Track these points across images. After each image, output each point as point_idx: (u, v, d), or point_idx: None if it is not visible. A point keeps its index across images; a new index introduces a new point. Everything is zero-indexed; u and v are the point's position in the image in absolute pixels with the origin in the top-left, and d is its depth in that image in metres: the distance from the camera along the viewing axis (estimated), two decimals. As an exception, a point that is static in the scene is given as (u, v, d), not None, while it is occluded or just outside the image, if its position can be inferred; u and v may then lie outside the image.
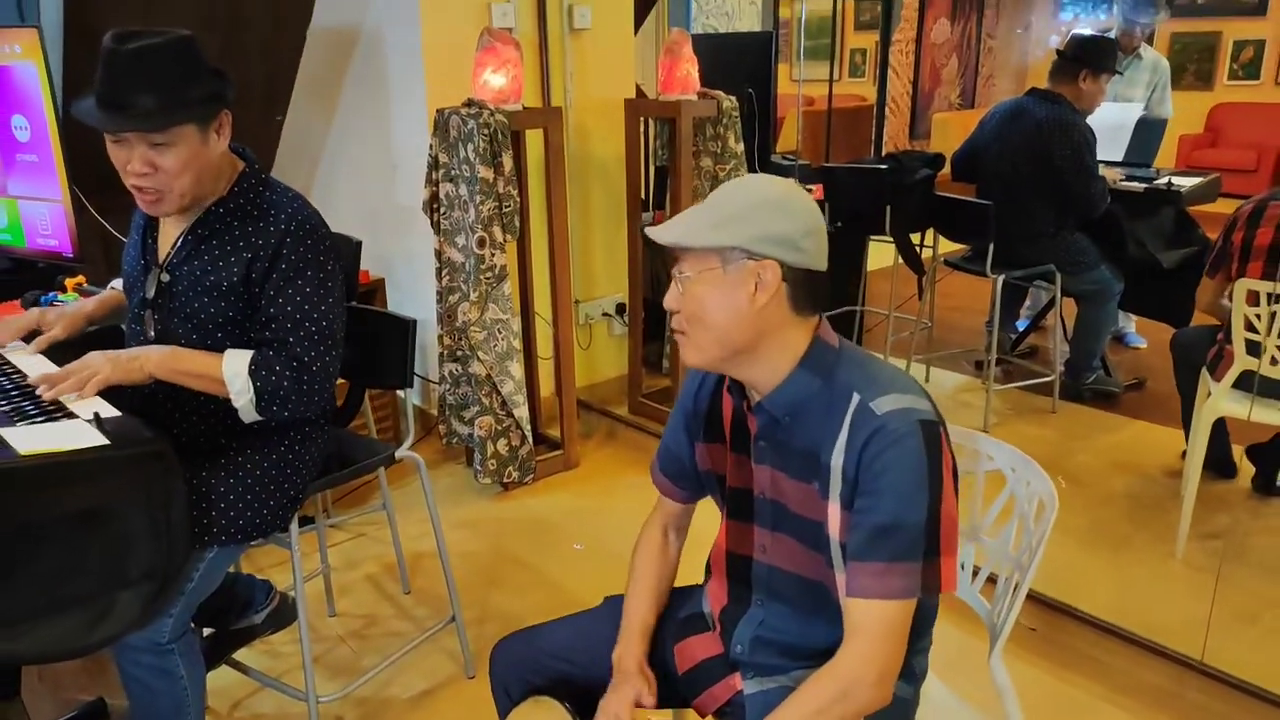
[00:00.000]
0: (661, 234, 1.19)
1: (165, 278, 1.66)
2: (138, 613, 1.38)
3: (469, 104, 2.85)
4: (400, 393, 2.05)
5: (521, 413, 3.00)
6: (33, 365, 1.62)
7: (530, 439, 3.07)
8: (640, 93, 3.85)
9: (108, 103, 1.48)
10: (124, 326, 1.81)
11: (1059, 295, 3.63)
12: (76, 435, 1.30)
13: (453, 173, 2.91)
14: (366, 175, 3.58)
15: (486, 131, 2.76)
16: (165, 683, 1.61)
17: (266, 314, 1.60)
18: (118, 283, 1.97)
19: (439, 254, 3.01)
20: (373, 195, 3.55)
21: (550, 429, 3.41)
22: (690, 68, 3.26)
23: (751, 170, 4.12)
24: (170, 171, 1.53)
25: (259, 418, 1.60)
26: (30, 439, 1.26)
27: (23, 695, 1.91)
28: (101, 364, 1.50)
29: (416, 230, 3.22)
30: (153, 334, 1.68)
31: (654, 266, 3.68)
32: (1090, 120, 3.52)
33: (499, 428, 2.98)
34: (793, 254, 1.15)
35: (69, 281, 2.66)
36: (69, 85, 2.99)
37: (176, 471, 1.38)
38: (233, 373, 1.56)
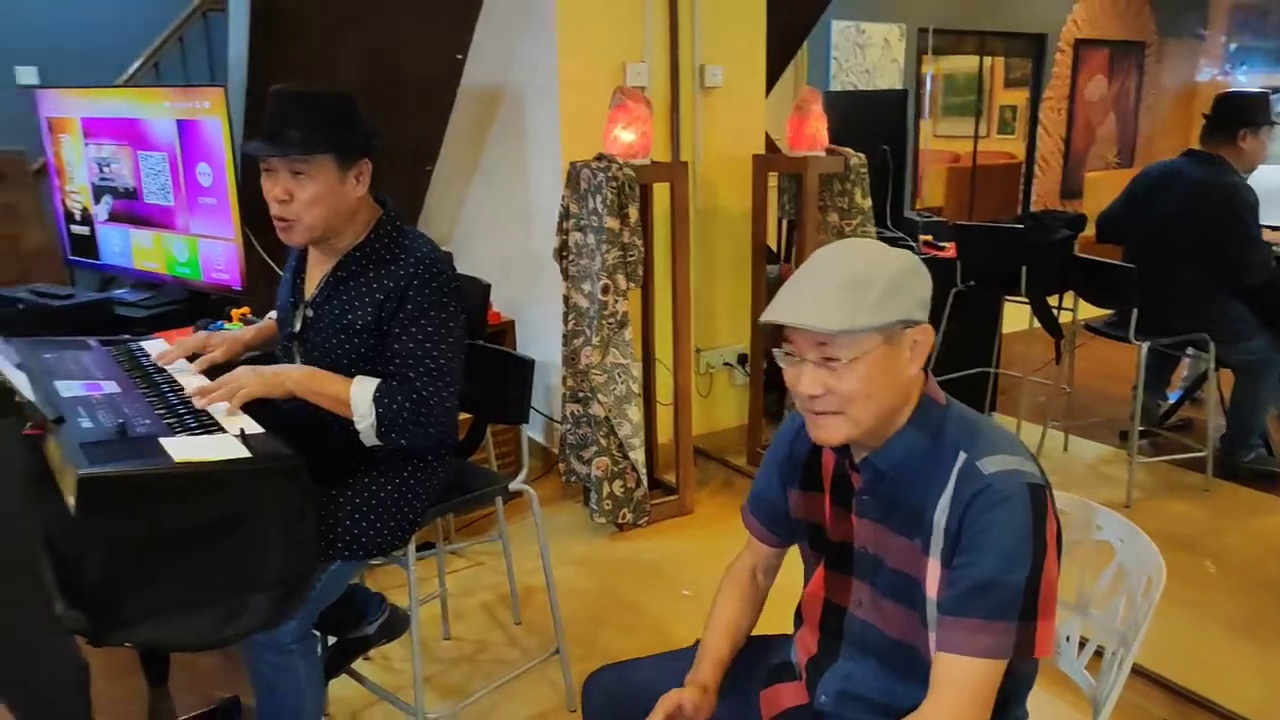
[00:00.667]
0: (813, 320, 1.11)
1: (309, 314, 1.84)
2: (267, 614, 1.51)
3: (599, 158, 2.99)
4: (520, 428, 2.15)
5: (638, 456, 3.06)
6: (191, 383, 1.80)
7: (645, 482, 3.13)
8: (772, 146, 3.91)
9: (265, 136, 1.70)
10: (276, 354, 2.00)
11: (1213, 365, 3.42)
12: (224, 448, 1.44)
13: (582, 222, 3.05)
14: (503, 223, 3.78)
15: (615, 184, 2.88)
16: (287, 681, 1.73)
17: (392, 349, 1.74)
18: (275, 314, 2.17)
19: (566, 299, 3.14)
20: (508, 242, 3.75)
21: (667, 474, 3.46)
22: (819, 125, 3.30)
23: (881, 225, 4.10)
24: (303, 201, 1.69)
25: (378, 442, 1.73)
26: (184, 449, 1.41)
27: (169, 686, 2.10)
28: (249, 378, 1.67)
29: (546, 276, 3.37)
30: (300, 362, 1.86)
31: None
32: (1251, 181, 3.34)
33: (615, 469, 3.06)
34: (925, 314, 1.18)
35: (235, 312, 2.94)
36: (246, 139, 3.30)
37: (310, 487, 1.50)
38: (359, 398, 1.70)
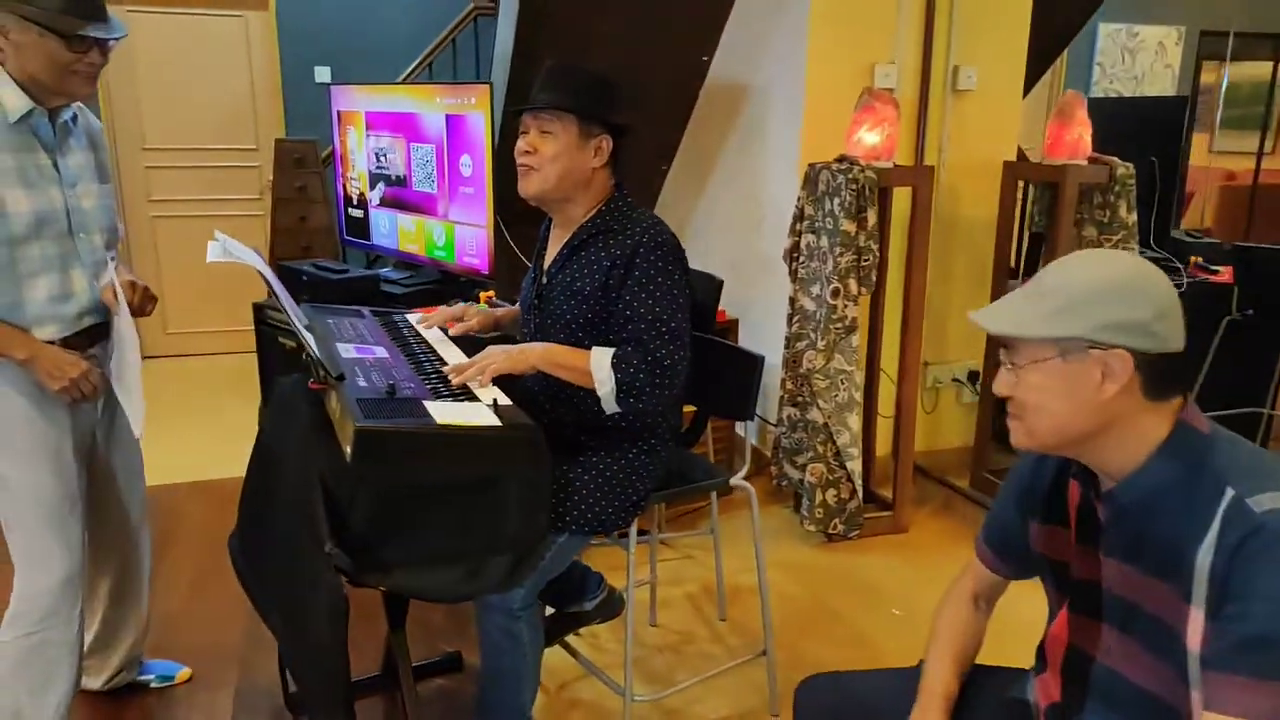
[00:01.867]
0: (990, 322, 1.13)
1: (544, 281, 1.97)
2: (502, 576, 1.60)
3: (840, 160, 2.94)
4: (739, 426, 2.16)
5: (855, 466, 2.99)
6: (449, 353, 1.95)
7: (860, 494, 3.04)
8: (1021, 155, 3.68)
9: (530, 99, 1.86)
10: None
11: None
12: (478, 415, 1.55)
13: (816, 225, 3.01)
14: (734, 223, 3.80)
15: (855, 186, 2.82)
16: (511, 644, 1.84)
17: (624, 316, 1.81)
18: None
19: (793, 301, 3.12)
20: (737, 242, 3.77)
21: (882, 488, 3.35)
22: (1083, 131, 3.07)
23: (1144, 245, 3.75)
24: (544, 155, 1.83)
25: (617, 409, 1.80)
26: (445, 413, 1.53)
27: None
28: (497, 355, 1.78)
29: (773, 277, 3.36)
30: (534, 331, 1.97)
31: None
32: None
33: (830, 477, 2.99)
34: (1145, 340, 1.06)
35: (483, 294, 3.15)
36: (503, 133, 3.51)
37: (547, 457, 1.58)
38: (597, 365, 1.78)
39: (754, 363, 2.08)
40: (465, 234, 3.34)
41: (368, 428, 1.41)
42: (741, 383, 2.08)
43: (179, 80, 4.91)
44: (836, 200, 2.88)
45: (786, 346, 3.14)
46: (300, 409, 1.83)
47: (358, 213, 3.90)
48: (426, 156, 3.43)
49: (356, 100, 3.75)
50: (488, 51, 4.75)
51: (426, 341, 2.03)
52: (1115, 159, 3.10)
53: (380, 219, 3.78)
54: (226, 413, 4.29)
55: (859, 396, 2.97)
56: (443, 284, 3.61)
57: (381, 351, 1.90)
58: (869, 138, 2.90)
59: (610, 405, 1.79)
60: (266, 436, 1.97)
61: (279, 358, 3.47)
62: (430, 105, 3.35)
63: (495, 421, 1.52)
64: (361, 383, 1.64)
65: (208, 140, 5.13)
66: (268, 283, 1.84)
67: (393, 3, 5.19)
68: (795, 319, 3.11)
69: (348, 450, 1.44)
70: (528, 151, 1.87)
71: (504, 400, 1.66)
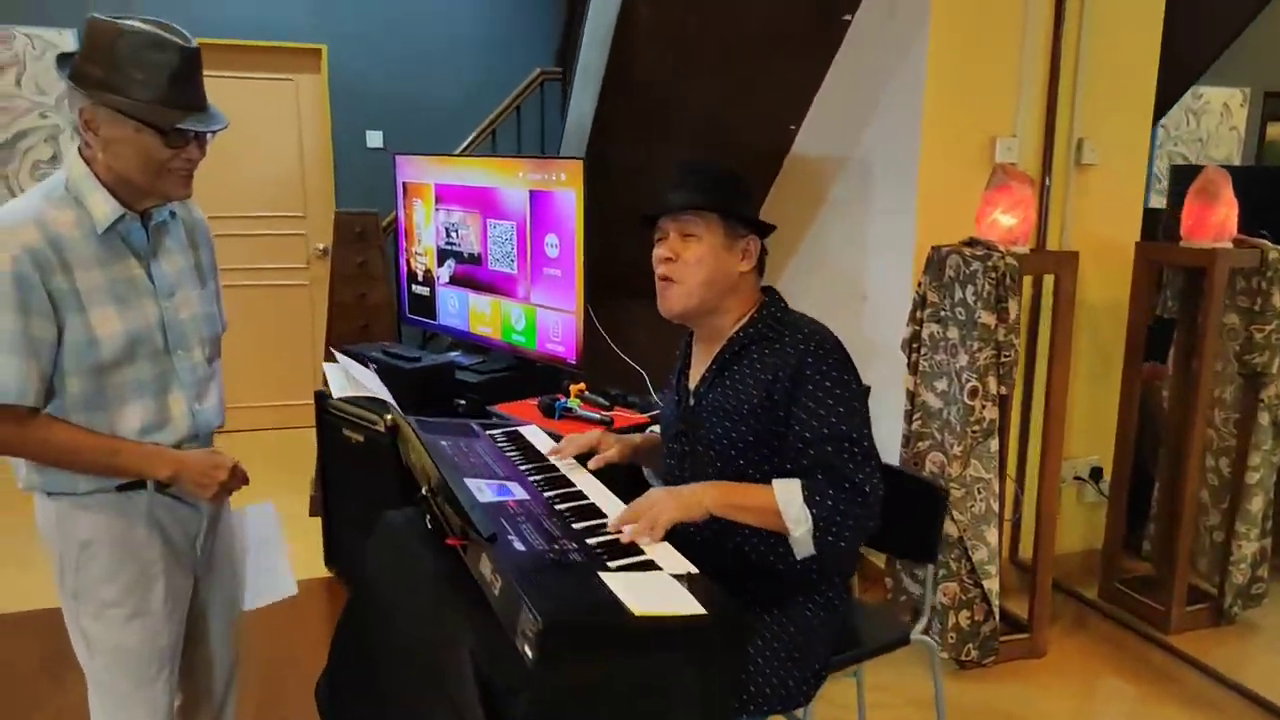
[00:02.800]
0: None
1: (692, 404, 1.72)
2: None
3: (971, 243, 2.68)
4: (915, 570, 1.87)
5: (992, 585, 2.68)
6: (593, 490, 1.67)
7: (997, 615, 2.72)
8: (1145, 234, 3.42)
9: (665, 201, 1.67)
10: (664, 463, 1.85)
11: None
12: (673, 596, 1.26)
13: (942, 314, 2.74)
14: (832, 305, 3.53)
15: (994, 275, 2.55)
16: None
17: (802, 439, 1.55)
18: (658, 428, 2.03)
19: (912, 396, 2.83)
20: (837, 323, 3.48)
21: (1008, 603, 3.02)
22: (1229, 212, 2.82)
23: None
24: (687, 261, 1.64)
25: (811, 551, 1.52)
26: (633, 593, 1.24)
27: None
28: (666, 502, 1.50)
29: (881, 366, 3.08)
30: (686, 464, 1.70)
31: (1152, 431, 3.18)
32: None
33: (964, 597, 2.68)
34: None
35: (573, 387, 2.88)
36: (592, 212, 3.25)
37: (743, 645, 1.30)
38: (786, 502, 1.50)
39: (935, 495, 1.79)
40: (549, 319, 3.08)
41: (555, 623, 1.12)
42: (923, 520, 1.79)
43: (226, 145, 4.67)
44: (970, 289, 2.61)
45: (905, 445, 2.85)
46: (423, 559, 1.55)
47: (423, 290, 3.65)
48: (505, 234, 3.19)
49: (425, 171, 3.53)
50: (552, 119, 4.55)
51: (564, 475, 1.75)
52: (1265, 241, 2.84)
53: (449, 298, 3.53)
54: (280, 500, 4.00)
55: (997, 507, 2.67)
56: (520, 371, 3.35)
57: (519, 490, 1.62)
58: (1004, 220, 2.65)
59: (804, 549, 1.51)
60: (378, 584, 1.68)
61: (341, 450, 3.20)
62: (512, 180, 3.12)
63: (698, 609, 1.23)
64: (517, 545, 1.35)
65: (255, 207, 4.93)
66: (405, 422, 1.56)
67: (449, 66, 5.02)
68: (916, 416, 2.82)
69: (526, 649, 1.15)
70: (668, 259, 1.66)
71: (685, 565, 1.37)
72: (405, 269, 3.71)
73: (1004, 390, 2.64)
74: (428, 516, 1.66)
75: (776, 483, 1.53)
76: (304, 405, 5.01)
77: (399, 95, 4.92)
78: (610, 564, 1.35)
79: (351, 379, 1.67)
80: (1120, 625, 2.97)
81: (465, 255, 3.39)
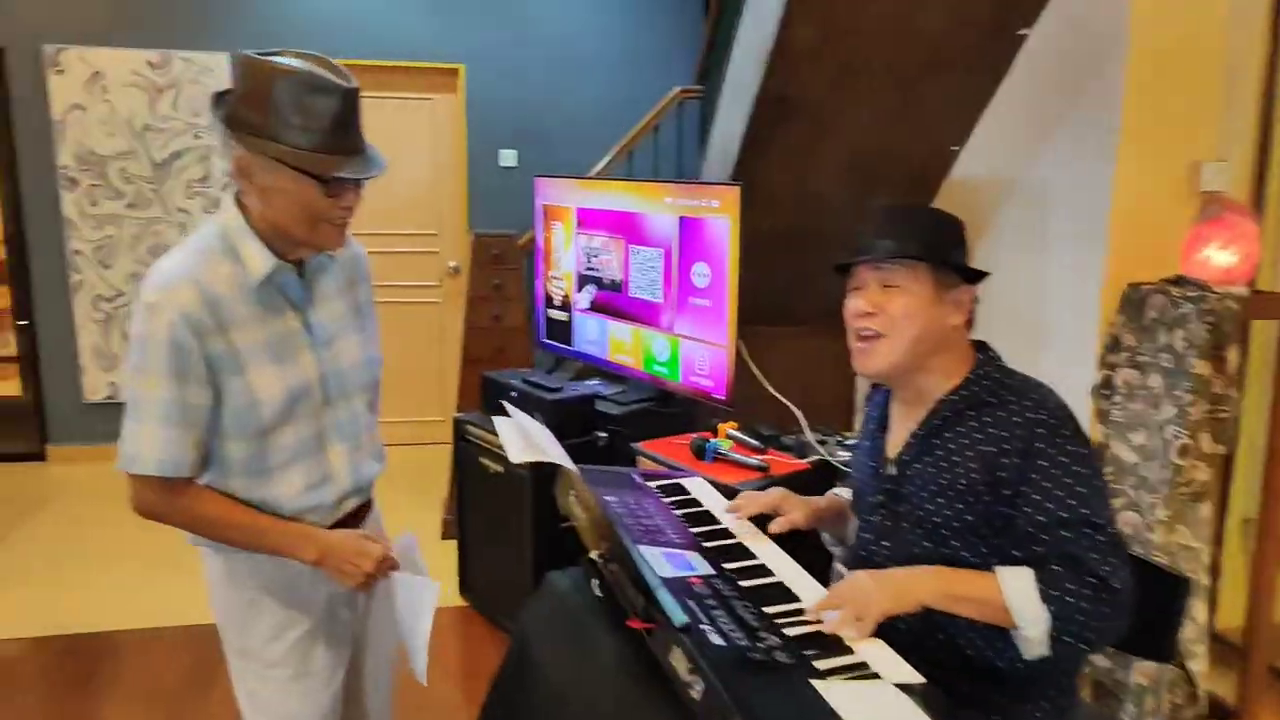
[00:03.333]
0: None
1: (893, 473, 1.52)
2: None
3: (1179, 281, 2.39)
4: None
5: (1199, 666, 2.37)
6: (774, 557, 1.51)
7: (1202, 698, 2.41)
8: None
9: (858, 250, 1.50)
10: (854, 535, 1.66)
11: None
12: (901, 714, 1.08)
13: (1140, 358, 2.45)
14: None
15: (1210, 319, 2.26)
16: None
17: (1034, 523, 1.34)
18: (842, 491, 1.84)
19: (1101, 448, 2.55)
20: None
21: (1211, 684, 2.69)
22: None
23: None
24: (892, 315, 1.46)
25: (1045, 652, 1.31)
26: (865, 714, 1.06)
27: None
28: (875, 590, 1.31)
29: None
30: (887, 541, 1.51)
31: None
32: None
33: (1164, 678, 2.38)
34: None
35: (722, 426, 2.71)
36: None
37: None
38: (1017, 596, 1.29)
39: (1175, 586, 1.54)
40: (695, 351, 2.92)
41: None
42: (1152, 607, 1.54)
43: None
44: (1179, 334, 2.33)
45: (1090, 502, 2.57)
46: (599, 640, 1.41)
47: (560, 315, 3.56)
48: (650, 261, 3.05)
49: (566, 194, 3.43)
50: (690, 139, 4.42)
51: (745, 544, 1.59)
52: None
53: (587, 324, 3.42)
54: (412, 518, 3.98)
55: (1206, 580, 2.37)
56: (659, 403, 3.21)
57: (700, 564, 1.46)
58: (1220, 257, 2.35)
59: (1036, 649, 1.30)
60: (546, 658, 1.54)
61: (478, 478, 3.13)
62: (658, 205, 2.99)
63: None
64: (714, 637, 1.19)
65: (390, 225, 4.97)
66: (584, 485, 1.43)
67: (586, 85, 4.96)
68: (1106, 471, 2.53)
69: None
70: (869, 313, 1.47)
71: (910, 673, 1.18)
72: (542, 293, 3.63)
73: (1220, 449, 2.33)
74: (595, 582, 1.52)
75: (1003, 572, 1.32)
76: (432, 422, 5.03)
77: (533, 114, 4.88)
78: (820, 666, 1.18)
79: (526, 438, 1.55)
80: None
81: (606, 281, 3.28)
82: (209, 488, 1.44)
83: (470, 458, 3.16)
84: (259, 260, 1.41)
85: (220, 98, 1.40)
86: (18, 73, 4.46)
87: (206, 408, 1.39)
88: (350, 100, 1.36)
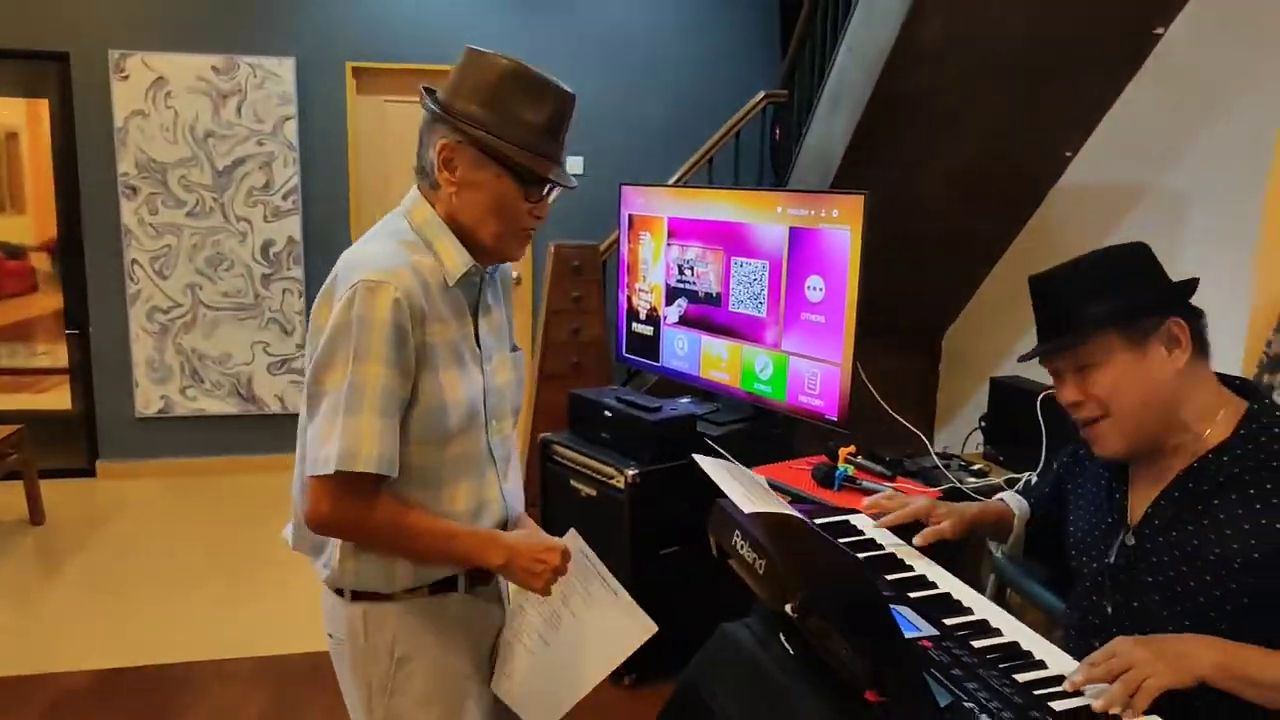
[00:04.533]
0: None
1: (1131, 541, 1.34)
2: None
3: (1353, 298, 2.20)
4: None
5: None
6: (986, 608, 1.33)
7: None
8: None
9: (1040, 331, 1.38)
10: (1071, 598, 1.49)
11: None
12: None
13: (1306, 381, 2.26)
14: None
15: (1400, 339, 2.07)
16: None
17: None
18: (1006, 496, 1.69)
19: (1258, 477, 2.36)
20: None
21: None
22: None
23: None
24: (1099, 397, 1.30)
25: None
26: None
27: None
28: (1147, 660, 1.13)
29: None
30: (1124, 613, 1.33)
31: None
32: None
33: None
34: None
35: (842, 450, 2.53)
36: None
37: None
38: None
39: None
40: (805, 369, 2.75)
41: None
42: None
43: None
44: (1360, 354, 2.13)
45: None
46: (799, 705, 1.23)
47: (645, 329, 3.39)
48: (755, 274, 2.89)
49: (657, 204, 3.28)
50: (754, 143, 4.25)
51: (950, 594, 1.41)
52: None
53: (676, 339, 3.26)
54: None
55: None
56: (757, 422, 3.04)
57: (919, 621, 1.28)
58: (1404, 271, 2.15)
59: None
60: (720, 709, 1.38)
61: (568, 501, 2.96)
62: (768, 215, 2.82)
63: None
64: (983, 717, 1.02)
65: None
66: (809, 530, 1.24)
67: (658, 90, 4.80)
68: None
69: None
70: (1078, 401, 1.32)
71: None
72: (625, 306, 3.47)
73: (1405, 481, 2.13)
74: (784, 637, 1.35)
75: None
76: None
77: (603, 120, 4.73)
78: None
79: (741, 483, 1.38)
80: None
81: (701, 295, 3.11)
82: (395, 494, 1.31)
83: (559, 480, 2.99)
84: (457, 257, 1.32)
85: (430, 91, 1.35)
86: (81, 78, 4.36)
87: (405, 402, 1.27)
88: (568, 106, 1.33)
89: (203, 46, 4.41)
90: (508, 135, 1.26)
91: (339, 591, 1.37)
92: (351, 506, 1.24)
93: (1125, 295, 1.30)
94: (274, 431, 4.74)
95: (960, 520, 1.56)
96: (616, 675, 2.74)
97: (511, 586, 1.50)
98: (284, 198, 4.58)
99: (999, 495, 1.70)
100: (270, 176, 4.55)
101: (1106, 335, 1.28)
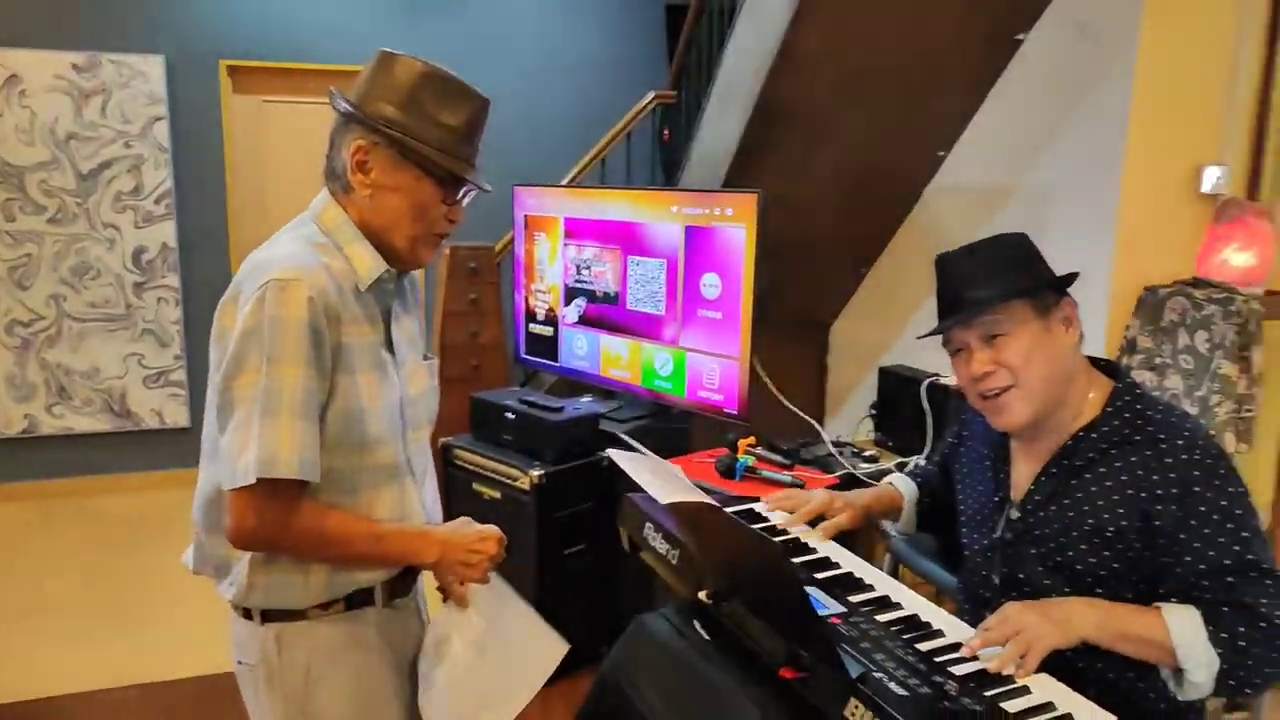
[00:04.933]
0: None
1: (1018, 511, 1.43)
2: None
3: (1196, 284, 2.41)
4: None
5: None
6: (891, 586, 1.41)
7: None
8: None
9: (946, 310, 1.42)
10: (961, 572, 1.58)
11: None
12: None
13: (1159, 360, 2.46)
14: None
15: (1237, 320, 2.28)
16: None
17: (1196, 570, 1.27)
18: (895, 479, 1.78)
19: (1120, 451, 2.55)
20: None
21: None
22: None
23: None
24: (1013, 364, 1.35)
25: (1207, 694, 1.25)
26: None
27: None
28: (1035, 623, 1.22)
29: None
30: (1012, 583, 1.42)
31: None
32: None
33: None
34: None
35: (742, 442, 2.60)
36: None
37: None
38: (1185, 637, 1.22)
39: None
40: (703, 364, 2.81)
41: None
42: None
43: (308, 170, 4.51)
44: (1202, 335, 2.34)
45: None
46: (721, 693, 1.27)
47: (544, 330, 3.40)
48: (651, 273, 2.93)
49: (551, 204, 3.28)
50: (644, 145, 4.31)
51: (854, 574, 1.48)
52: None
53: (575, 339, 3.27)
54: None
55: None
56: (658, 419, 3.09)
57: (828, 600, 1.34)
58: (1238, 259, 2.38)
59: (1199, 691, 1.24)
60: (643, 704, 1.40)
61: (471, 506, 2.94)
62: (663, 214, 2.87)
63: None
64: (894, 687, 1.08)
65: (338, 238, 4.70)
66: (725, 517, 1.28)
67: (549, 92, 4.79)
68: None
69: None
70: (988, 372, 1.37)
71: (1099, 712, 1.09)
72: (522, 307, 3.46)
73: (1243, 448, 2.36)
74: (699, 624, 1.39)
75: (1169, 611, 1.25)
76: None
77: (492, 121, 4.68)
78: (1006, 706, 1.08)
79: (658, 476, 1.40)
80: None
81: (599, 294, 3.14)
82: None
83: (462, 485, 2.97)
84: (370, 261, 1.29)
85: (335, 93, 1.32)
86: (-80, 76, 4.04)
87: (322, 405, 1.23)
88: (483, 111, 1.33)
89: (61, 43, 4.15)
90: (426, 137, 1.25)
91: (247, 614, 1.32)
92: (276, 516, 1.20)
93: (1027, 270, 1.38)
94: (152, 448, 4.50)
95: (857, 510, 1.63)
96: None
97: (430, 603, 1.48)
98: (156, 202, 4.36)
99: (887, 479, 1.80)
100: (140, 180, 4.32)
101: (1019, 304, 1.35)
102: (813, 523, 1.62)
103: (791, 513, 1.64)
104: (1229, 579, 1.24)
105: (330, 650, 1.32)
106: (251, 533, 1.21)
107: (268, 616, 1.31)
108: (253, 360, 1.18)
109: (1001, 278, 1.37)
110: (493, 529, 1.39)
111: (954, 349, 1.43)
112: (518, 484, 2.76)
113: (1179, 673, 1.24)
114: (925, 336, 1.46)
